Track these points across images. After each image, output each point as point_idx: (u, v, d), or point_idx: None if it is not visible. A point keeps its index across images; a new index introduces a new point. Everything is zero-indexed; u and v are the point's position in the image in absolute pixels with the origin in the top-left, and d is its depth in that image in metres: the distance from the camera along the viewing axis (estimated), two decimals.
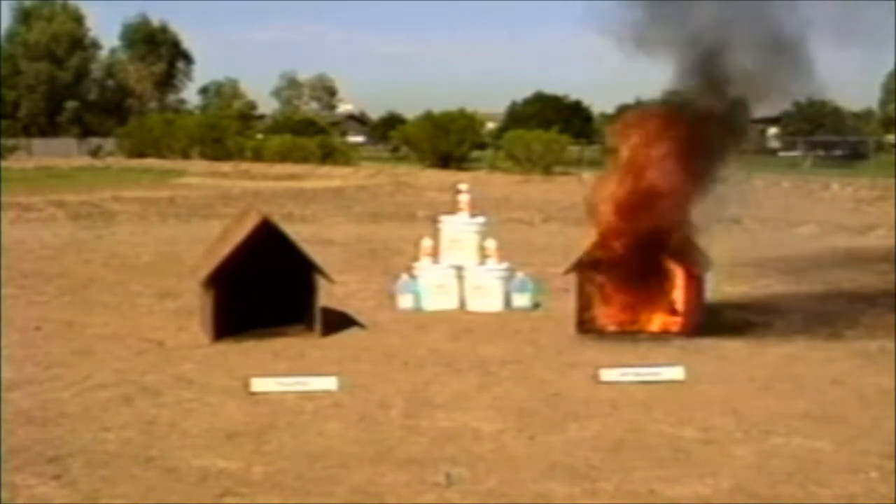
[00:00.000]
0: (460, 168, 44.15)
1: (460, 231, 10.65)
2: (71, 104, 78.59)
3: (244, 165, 46.20)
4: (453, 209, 10.98)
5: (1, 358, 7.92)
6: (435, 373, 7.60)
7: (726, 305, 10.24)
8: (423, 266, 10.44)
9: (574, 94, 68.80)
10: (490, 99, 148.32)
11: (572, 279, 9.26)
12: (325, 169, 43.99)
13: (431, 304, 10.20)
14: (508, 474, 5.39)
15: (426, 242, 10.62)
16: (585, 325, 8.99)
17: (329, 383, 7.01)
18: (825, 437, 6.01)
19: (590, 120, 66.28)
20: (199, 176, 38.51)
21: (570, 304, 9.24)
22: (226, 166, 45.26)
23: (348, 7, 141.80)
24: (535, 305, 10.26)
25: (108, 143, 63.26)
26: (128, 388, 7.09)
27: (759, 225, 18.63)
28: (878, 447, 5.81)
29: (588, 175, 29.35)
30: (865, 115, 70.02)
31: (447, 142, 47.34)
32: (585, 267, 9.06)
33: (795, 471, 5.44)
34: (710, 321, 9.19)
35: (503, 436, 6.05)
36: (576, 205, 18.49)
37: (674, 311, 8.99)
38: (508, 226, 17.44)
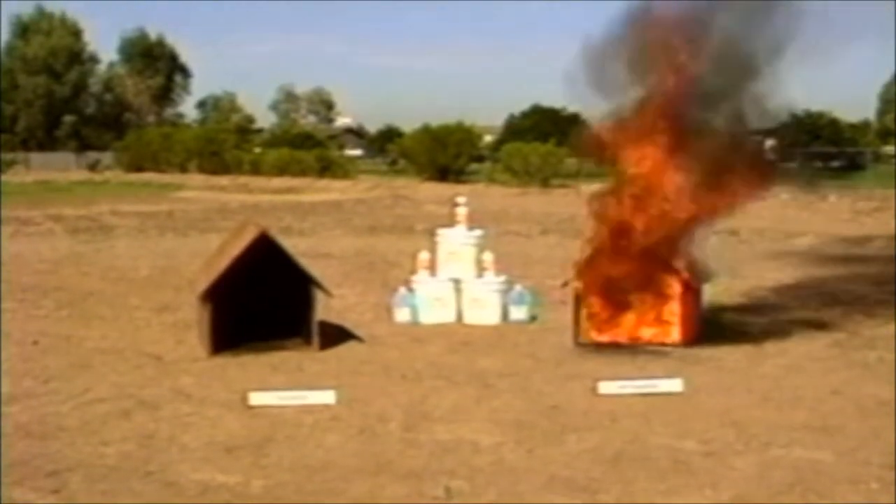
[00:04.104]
0: (458, 181, 44.17)
1: (458, 244, 10.64)
2: (69, 118, 78.58)
3: (242, 179, 46.19)
4: (451, 222, 10.97)
5: None
6: (433, 386, 7.59)
7: (725, 317, 10.25)
8: (421, 279, 10.43)
9: (571, 107, 68.86)
10: (488, 112, 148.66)
11: (570, 291, 9.26)
12: (323, 182, 44.00)
13: (429, 317, 10.19)
14: (507, 487, 5.38)
15: (424, 255, 10.61)
16: (583, 338, 8.99)
17: (327, 397, 7.00)
18: (825, 448, 6.00)
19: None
20: (197, 189, 38.50)
21: (567, 316, 9.23)
22: (224, 180, 45.25)
23: (346, 20, 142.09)
24: (533, 318, 10.25)
25: (106, 157, 63.17)
26: (126, 402, 7.07)
27: (756, 236, 18.64)
28: (879, 458, 5.81)
29: (586, 187, 29.36)
30: (862, 127, 70.14)
31: (445, 155, 47.38)
32: (583, 279, 9.06)
33: (796, 482, 5.43)
34: (709, 332, 9.19)
35: (502, 448, 6.04)
36: (574, 217, 18.54)
37: (672, 323, 8.98)
38: (506, 238, 17.45)
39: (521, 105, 74.46)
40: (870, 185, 35.83)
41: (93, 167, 59.07)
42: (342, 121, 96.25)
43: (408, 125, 64.04)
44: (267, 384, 7.44)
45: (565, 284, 9.41)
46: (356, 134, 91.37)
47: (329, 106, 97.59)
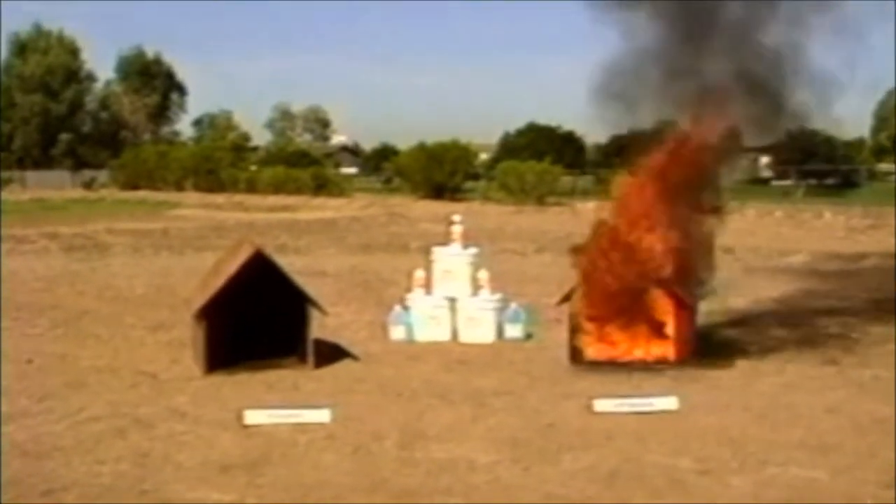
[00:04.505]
0: (453, 199, 44.18)
1: (453, 262, 10.65)
2: (65, 136, 78.59)
3: (238, 197, 46.26)
4: (446, 240, 10.97)
5: None
6: (428, 404, 7.58)
7: (720, 334, 10.25)
8: (416, 297, 10.43)
9: (567, 125, 69.00)
10: (483, 129, 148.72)
11: (565, 310, 9.26)
12: (319, 200, 44.07)
13: (424, 335, 10.19)
14: None
15: (419, 273, 10.61)
16: (579, 356, 8.98)
17: (322, 415, 6.99)
18: (821, 467, 6.00)
19: (582, 150, 66.38)
20: (192, 208, 38.54)
21: (563, 334, 9.23)
22: (219, 198, 45.31)
23: (341, 39, 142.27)
24: (528, 336, 10.24)
25: (102, 175, 63.28)
26: (121, 421, 7.06)
27: (751, 253, 18.66)
28: (875, 476, 5.81)
29: (581, 205, 29.41)
30: (857, 144, 70.25)
31: (440, 172, 47.41)
32: (578, 297, 9.06)
33: (792, 500, 5.43)
34: (704, 350, 9.19)
35: (498, 467, 6.03)
36: (569, 235, 18.53)
37: (667, 341, 8.98)
38: (501, 256, 17.44)
39: (516, 123, 74.53)
40: (865, 203, 35.93)
41: (88, 185, 59.10)
42: (338, 139, 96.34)
43: (403, 143, 63.98)
44: (262, 403, 7.43)
45: (561, 302, 9.41)
46: (352, 152, 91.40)
47: (325, 124, 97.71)
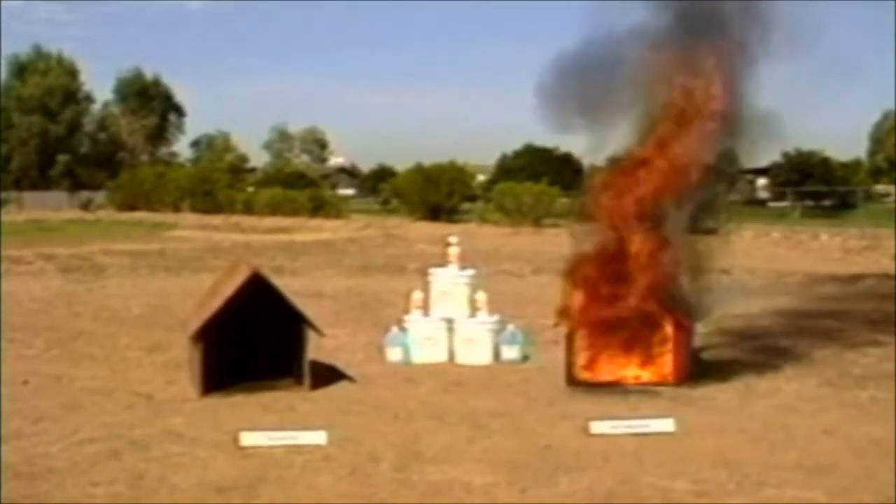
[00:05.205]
0: (450, 220, 44.21)
1: (450, 283, 10.64)
2: (63, 157, 78.77)
3: (235, 218, 46.26)
4: (443, 261, 10.98)
5: None
6: (425, 426, 7.57)
7: (716, 356, 10.25)
8: (413, 318, 10.42)
9: (564, 147, 69.12)
10: (480, 151, 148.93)
11: (562, 331, 9.25)
12: (316, 221, 44.08)
13: (421, 356, 10.17)
14: None
15: (418, 295, 10.61)
16: (575, 377, 8.97)
17: (319, 437, 6.98)
18: (818, 488, 5.98)
19: (580, 172, 66.40)
20: (189, 229, 38.52)
21: (560, 355, 9.23)
22: (216, 219, 45.31)
23: (339, 59, 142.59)
24: (525, 357, 10.23)
25: (100, 196, 63.34)
26: (116, 443, 7.04)
27: (748, 275, 18.66)
28: (872, 497, 5.80)
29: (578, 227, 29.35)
30: (854, 166, 70.47)
31: (437, 194, 47.48)
32: (574, 319, 9.06)
33: None
34: (700, 372, 9.19)
35: (494, 489, 6.02)
36: (566, 257, 18.52)
37: (664, 362, 8.97)
38: (498, 278, 17.45)
39: (513, 144, 74.65)
40: (861, 224, 35.99)
41: (85, 206, 59.14)
42: (335, 160, 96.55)
43: (400, 164, 64.10)
44: (258, 424, 7.41)
45: (557, 324, 9.40)
46: (349, 173, 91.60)
47: (322, 145, 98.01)
